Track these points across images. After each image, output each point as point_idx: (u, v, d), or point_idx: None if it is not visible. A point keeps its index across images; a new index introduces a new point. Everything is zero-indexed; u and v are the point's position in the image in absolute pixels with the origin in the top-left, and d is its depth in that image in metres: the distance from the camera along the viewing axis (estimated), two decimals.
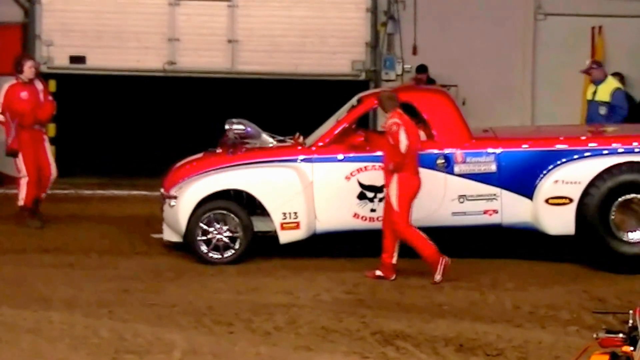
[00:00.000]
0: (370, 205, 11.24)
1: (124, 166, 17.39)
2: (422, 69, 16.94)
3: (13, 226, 13.29)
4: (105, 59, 17.43)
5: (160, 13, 17.41)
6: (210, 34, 17.49)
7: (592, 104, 13.66)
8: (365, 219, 11.28)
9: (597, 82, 13.66)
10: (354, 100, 12.07)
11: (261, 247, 11.53)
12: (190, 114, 17.40)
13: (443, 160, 11.20)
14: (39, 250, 11.99)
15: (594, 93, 13.65)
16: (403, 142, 10.32)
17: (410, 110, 11.11)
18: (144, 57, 17.46)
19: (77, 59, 17.50)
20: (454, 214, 11.21)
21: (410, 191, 10.47)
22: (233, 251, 11.35)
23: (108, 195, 16.07)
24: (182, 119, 17.40)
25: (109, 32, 17.41)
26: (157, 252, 11.95)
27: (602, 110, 13.47)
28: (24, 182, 13.23)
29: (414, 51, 17.51)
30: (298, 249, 11.49)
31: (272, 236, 11.41)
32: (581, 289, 10.30)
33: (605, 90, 13.52)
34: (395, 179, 10.43)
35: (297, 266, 11.19)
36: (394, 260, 10.57)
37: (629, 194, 11.04)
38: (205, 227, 11.31)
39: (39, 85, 13.57)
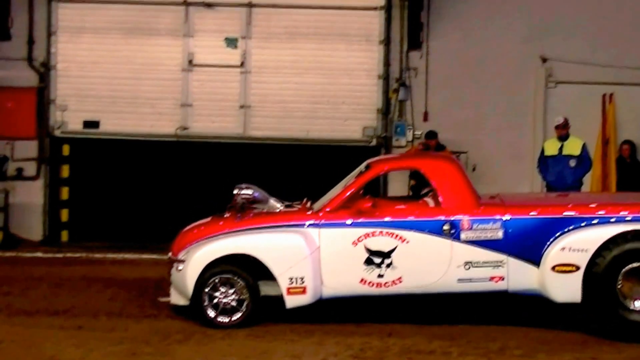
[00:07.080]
0: (377, 270, 11.25)
1: (135, 229, 17.48)
2: (431, 134, 17.06)
3: (24, 288, 13.39)
4: (118, 124, 17.67)
5: (173, 79, 17.65)
6: (223, 100, 17.70)
7: (561, 158, 15.01)
8: (372, 285, 11.28)
9: (564, 138, 15.09)
10: (362, 166, 12.16)
11: (270, 310, 11.55)
12: (201, 179, 17.51)
13: (449, 227, 11.23)
14: (49, 312, 12.03)
15: (561, 148, 15.07)
16: None
17: (418, 176, 11.11)
18: (157, 123, 17.67)
19: (91, 124, 17.72)
20: (460, 280, 11.20)
21: None
22: (240, 314, 11.38)
23: (118, 259, 16.16)
24: (193, 184, 17.51)
25: (123, 97, 17.66)
26: (165, 315, 11.97)
27: (573, 163, 14.97)
28: None
29: (425, 117, 17.65)
30: (306, 313, 11.50)
31: (280, 299, 11.43)
32: (589, 356, 10.24)
33: (575, 145, 15.03)
34: None
35: (305, 330, 11.19)
36: None
37: (635, 262, 10.99)
38: (212, 291, 11.36)
39: None
